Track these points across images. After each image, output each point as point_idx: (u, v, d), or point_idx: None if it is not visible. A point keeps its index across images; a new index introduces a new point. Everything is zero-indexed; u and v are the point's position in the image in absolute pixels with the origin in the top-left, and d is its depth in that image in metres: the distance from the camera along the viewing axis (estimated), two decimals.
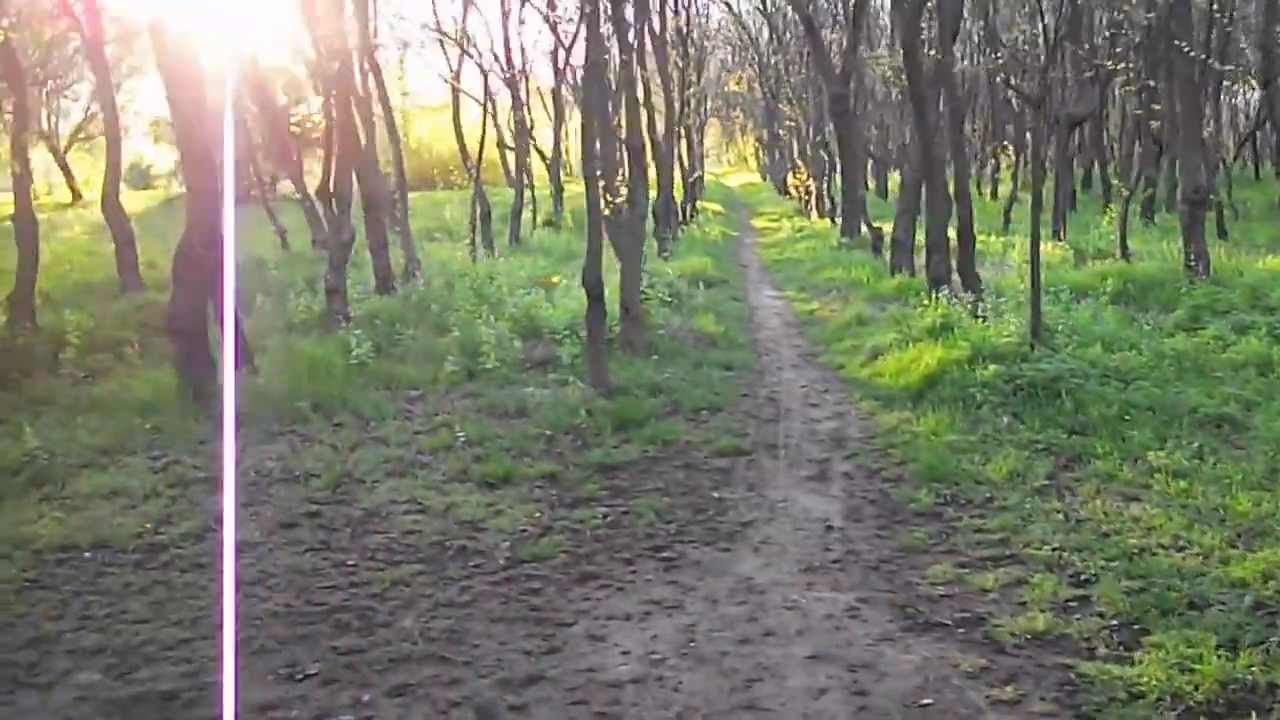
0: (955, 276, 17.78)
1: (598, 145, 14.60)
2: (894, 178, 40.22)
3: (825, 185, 36.61)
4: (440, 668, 6.73)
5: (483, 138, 27.81)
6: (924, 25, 18.31)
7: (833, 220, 34.23)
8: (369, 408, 12.80)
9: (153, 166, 68.30)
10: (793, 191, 42.09)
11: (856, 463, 10.87)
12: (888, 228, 24.42)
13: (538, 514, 9.41)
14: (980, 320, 14.97)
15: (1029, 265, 14.22)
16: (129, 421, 12.11)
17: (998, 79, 28.29)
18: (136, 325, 16.93)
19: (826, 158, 35.66)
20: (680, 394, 13.12)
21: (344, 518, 9.50)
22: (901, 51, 18.10)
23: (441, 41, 27.14)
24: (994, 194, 39.82)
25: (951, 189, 17.82)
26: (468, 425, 11.90)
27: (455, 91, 28.58)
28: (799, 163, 39.33)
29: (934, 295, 16.76)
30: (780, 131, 38.92)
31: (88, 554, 8.77)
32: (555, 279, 19.40)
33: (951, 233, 17.63)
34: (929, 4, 17.70)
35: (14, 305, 15.68)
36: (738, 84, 51.82)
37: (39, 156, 57.28)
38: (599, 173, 14.21)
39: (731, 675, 6.53)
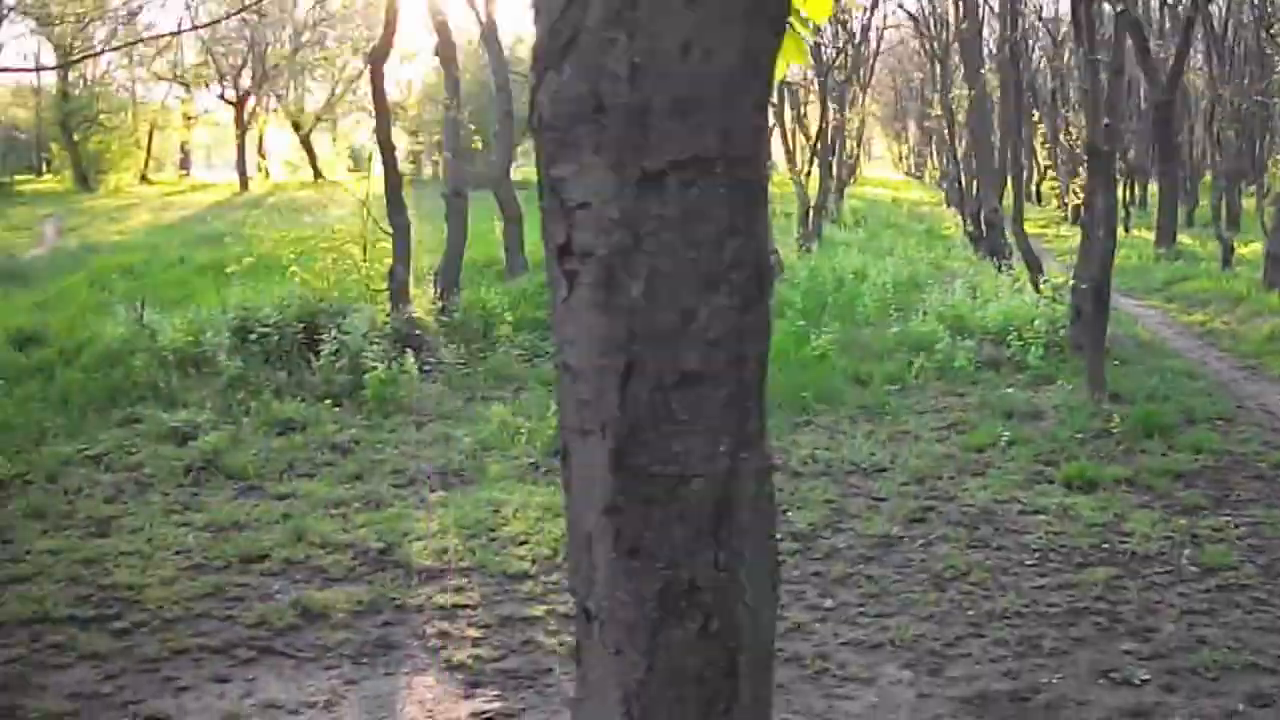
0: None
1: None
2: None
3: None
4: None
5: (817, 135, 27.48)
6: None
7: (1125, 229, 33.17)
8: (865, 401, 12.51)
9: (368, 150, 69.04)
10: (1069, 199, 41.00)
11: None
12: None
13: (1177, 521, 8.95)
14: None
15: None
16: None
17: None
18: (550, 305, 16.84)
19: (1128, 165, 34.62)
20: (1179, 401, 12.55)
21: (962, 514, 9.16)
22: None
23: None
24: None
25: None
26: (988, 426, 11.51)
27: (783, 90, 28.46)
28: (1077, 171, 38.22)
29: None
30: (1062, 138, 37.90)
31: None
32: None
33: None
34: None
35: (443, 279, 15.69)
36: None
37: (281, 136, 58.78)
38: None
39: None
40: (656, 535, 3.24)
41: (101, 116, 54.93)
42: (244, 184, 52.34)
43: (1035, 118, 34.32)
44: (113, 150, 55.69)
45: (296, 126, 56.76)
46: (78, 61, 47.78)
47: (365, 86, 55.32)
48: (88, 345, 13.24)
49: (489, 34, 19.62)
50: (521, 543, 8.40)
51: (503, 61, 20.49)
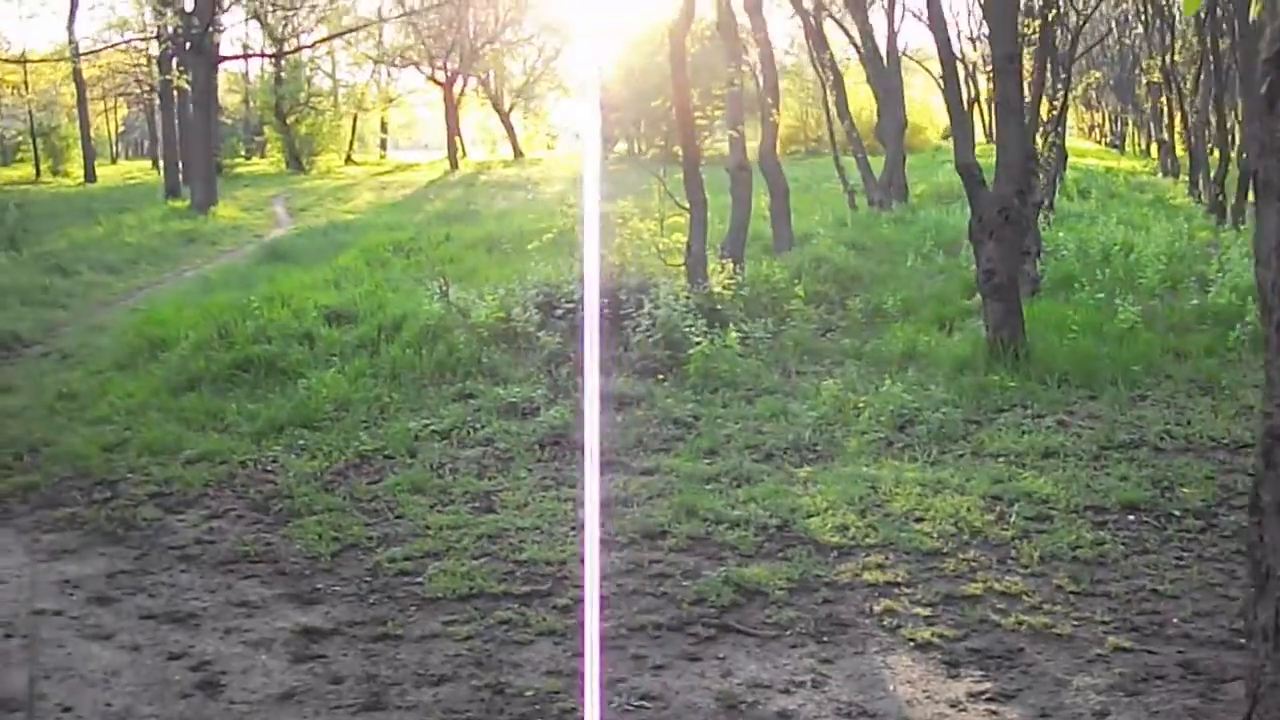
0: None
1: None
2: None
3: None
4: None
5: (1062, 106, 26.63)
6: None
7: None
8: (1192, 374, 12.10)
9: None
10: None
11: None
12: None
13: None
14: None
15: None
16: (966, 380, 11.72)
17: None
18: (829, 279, 16.69)
19: None
20: None
21: None
22: None
23: None
24: None
25: None
26: None
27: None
28: None
29: None
30: None
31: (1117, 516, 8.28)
32: None
33: None
34: None
35: (729, 253, 15.66)
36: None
37: (481, 115, 59.59)
38: None
39: None
40: None
41: (312, 100, 56.31)
42: (454, 163, 53.09)
43: None
44: (322, 133, 57.05)
45: (496, 106, 57.44)
46: (308, 48, 48.89)
47: (563, 65, 55.92)
48: (405, 322, 13.40)
49: (752, 7, 19.46)
50: (918, 519, 8.25)
51: (766, 35, 20.28)
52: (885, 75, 27.08)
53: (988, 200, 12.61)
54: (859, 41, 27.91)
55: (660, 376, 11.93)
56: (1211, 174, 27.81)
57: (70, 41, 41.48)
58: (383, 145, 70.89)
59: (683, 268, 14.27)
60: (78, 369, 13.59)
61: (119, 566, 7.75)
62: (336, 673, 6.16)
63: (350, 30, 46.47)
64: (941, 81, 14.61)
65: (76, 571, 7.66)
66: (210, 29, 32.29)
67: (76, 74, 45.94)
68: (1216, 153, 27.29)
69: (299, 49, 49.10)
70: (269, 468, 9.85)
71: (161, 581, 7.49)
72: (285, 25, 49.89)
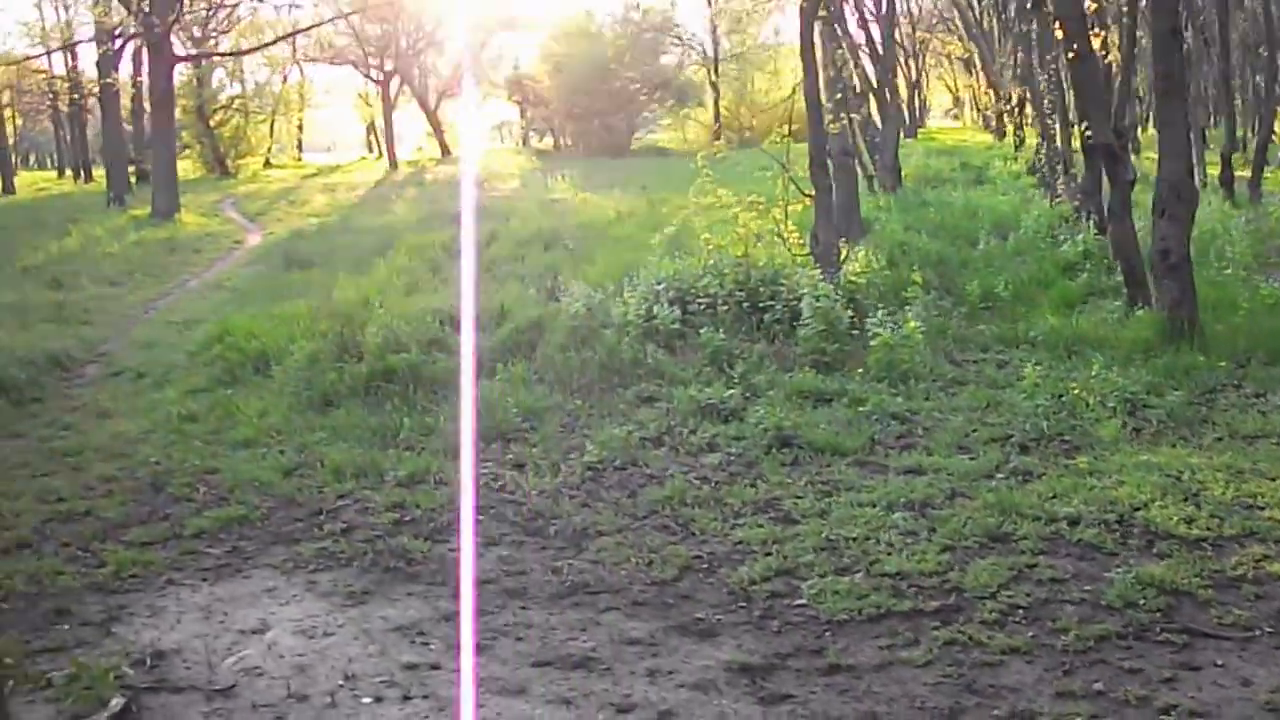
0: None
1: None
2: None
3: None
4: None
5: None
6: None
7: None
8: None
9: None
10: None
11: None
12: None
13: None
14: None
15: None
16: (1161, 361, 11.42)
17: None
18: (924, 265, 16.31)
19: None
20: None
21: None
22: None
23: None
24: None
25: None
26: None
27: None
28: None
29: None
30: None
31: None
32: None
33: None
34: None
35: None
36: None
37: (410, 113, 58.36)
38: None
39: None
40: None
41: (237, 102, 54.60)
42: (393, 162, 51.83)
43: None
44: (246, 136, 55.35)
45: (422, 104, 56.36)
46: (268, 46, 46.89)
47: (493, 61, 54.86)
48: (546, 324, 12.74)
49: None
50: (1258, 507, 7.86)
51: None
52: (881, 59, 26.90)
53: (1127, 180, 12.41)
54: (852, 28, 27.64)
55: (844, 368, 11.42)
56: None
57: None
58: (299, 147, 69.15)
59: (809, 257, 13.76)
60: (168, 388, 12.71)
61: (444, 608, 7.00)
62: (825, 713, 5.56)
63: (303, 30, 44.95)
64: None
65: (400, 616, 6.92)
66: (171, 30, 30.84)
67: None
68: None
69: (257, 48, 47.14)
70: (497, 486, 9.12)
71: (514, 622, 6.79)
72: (208, 26, 48.18)
